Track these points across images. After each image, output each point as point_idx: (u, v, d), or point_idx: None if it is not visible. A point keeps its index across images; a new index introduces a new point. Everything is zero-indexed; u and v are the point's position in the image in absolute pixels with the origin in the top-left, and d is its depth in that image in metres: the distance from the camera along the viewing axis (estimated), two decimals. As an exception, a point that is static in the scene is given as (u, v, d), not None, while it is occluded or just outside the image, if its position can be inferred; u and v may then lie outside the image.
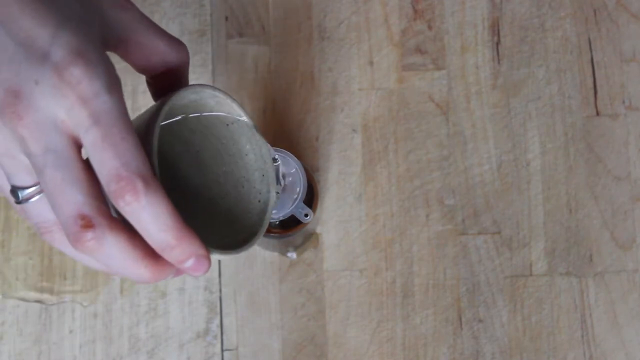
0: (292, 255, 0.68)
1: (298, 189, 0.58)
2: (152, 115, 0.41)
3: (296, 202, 0.58)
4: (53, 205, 0.38)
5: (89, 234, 0.38)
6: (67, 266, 0.67)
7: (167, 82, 0.44)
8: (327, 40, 0.70)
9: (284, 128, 0.69)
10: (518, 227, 0.68)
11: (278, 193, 0.46)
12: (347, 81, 0.70)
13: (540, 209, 0.68)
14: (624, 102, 0.69)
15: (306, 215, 0.59)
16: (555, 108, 0.69)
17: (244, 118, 0.45)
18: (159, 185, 0.38)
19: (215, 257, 0.42)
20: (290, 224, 0.61)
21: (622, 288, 0.68)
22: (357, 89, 0.70)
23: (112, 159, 0.37)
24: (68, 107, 0.37)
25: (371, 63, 0.70)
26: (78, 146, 0.38)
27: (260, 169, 0.46)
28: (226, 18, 0.70)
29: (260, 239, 0.62)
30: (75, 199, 0.38)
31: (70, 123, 0.38)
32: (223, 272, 0.68)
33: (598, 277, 0.68)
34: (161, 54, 0.43)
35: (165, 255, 0.39)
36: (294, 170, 0.58)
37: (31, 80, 0.37)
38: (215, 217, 0.46)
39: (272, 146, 0.59)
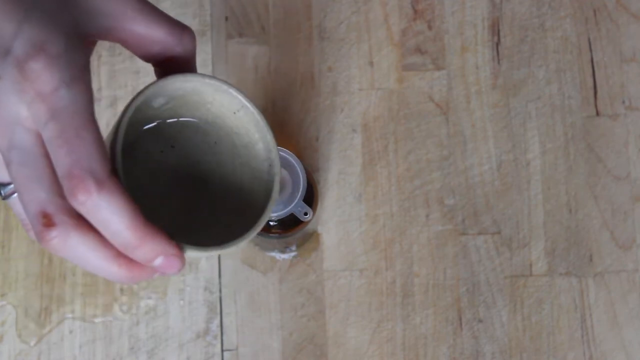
0: (292, 255, 0.68)
1: (298, 188, 0.58)
2: (123, 110, 0.40)
3: (296, 201, 0.58)
4: (21, 203, 0.38)
5: (52, 233, 0.37)
6: (67, 266, 0.67)
7: (172, 69, 0.43)
8: (327, 40, 0.70)
9: (284, 128, 0.69)
10: (518, 227, 0.68)
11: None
12: (347, 81, 0.70)
13: (540, 209, 0.68)
14: (624, 102, 0.69)
15: (306, 214, 0.59)
16: (555, 108, 0.69)
17: (248, 105, 0.44)
18: (116, 184, 0.37)
19: (196, 255, 0.40)
20: (290, 224, 0.61)
21: (622, 288, 0.67)
22: (357, 89, 0.70)
23: (65, 156, 0.36)
24: (29, 102, 0.37)
25: (371, 63, 0.70)
26: (43, 142, 0.37)
27: (268, 159, 0.44)
28: (226, 18, 0.70)
29: (261, 239, 0.63)
30: (39, 197, 0.37)
31: (32, 119, 0.37)
32: (223, 272, 0.68)
33: (598, 277, 0.68)
34: (161, 43, 0.41)
35: (130, 255, 0.38)
36: (294, 170, 0.58)
37: None
38: (229, 211, 0.45)
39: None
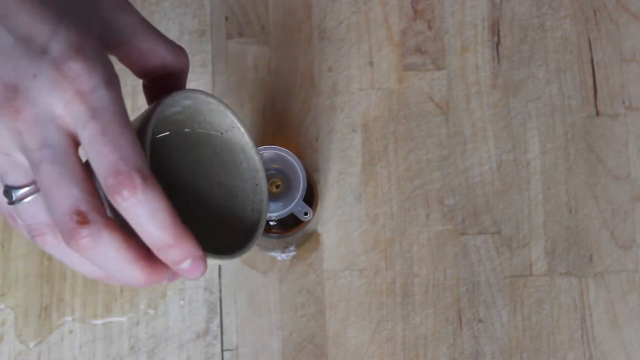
0: (292, 255, 0.68)
1: (298, 188, 0.58)
2: (146, 116, 0.41)
3: (296, 201, 0.58)
4: (48, 202, 0.38)
5: (85, 231, 0.37)
6: (67, 266, 0.67)
7: (164, 87, 0.44)
8: (327, 40, 0.70)
9: (284, 128, 0.69)
10: (518, 227, 0.68)
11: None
12: (347, 81, 0.70)
13: (540, 209, 0.68)
14: (623, 102, 0.69)
15: (306, 214, 0.59)
16: (555, 108, 0.69)
17: (239, 126, 0.45)
18: (157, 183, 0.37)
19: (210, 261, 0.41)
20: (290, 224, 0.61)
21: (622, 288, 0.67)
22: (357, 89, 0.70)
23: (110, 153, 0.37)
24: (66, 101, 0.37)
25: (371, 63, 0.70)
26: (75, 142, 0.38)
27: (254, 178, 0.45)
28: (226, 18, 0.70)
29: (261, 239, 0.63)
30: (72, 195, 0.37)
31: (68, 117, 0.37)
32: (223, 272, 0.68)
33: (598, 277, 0.68)
34: (160, 58, 0.43)
35: (162, 255, 0.38)
36: (294, 170, 0.58)
37: (29, 75, 0.37)
38: (209, 227, 0.46)
39: (272, 146, 0.59)
